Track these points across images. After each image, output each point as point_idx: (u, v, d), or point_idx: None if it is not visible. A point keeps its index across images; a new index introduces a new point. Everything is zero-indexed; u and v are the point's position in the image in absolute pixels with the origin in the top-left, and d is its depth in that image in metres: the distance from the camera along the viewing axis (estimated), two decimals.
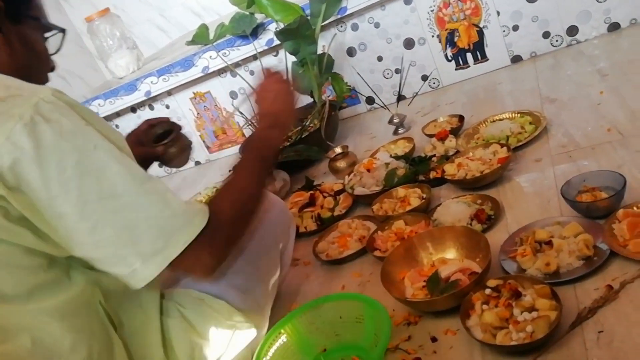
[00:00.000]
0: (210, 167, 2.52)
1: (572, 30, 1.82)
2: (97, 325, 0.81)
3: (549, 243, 1.00)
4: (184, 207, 0.81)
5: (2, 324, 0.73)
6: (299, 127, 1.93)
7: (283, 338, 1.04)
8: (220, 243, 0.85)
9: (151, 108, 2.49)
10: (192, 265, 0.82)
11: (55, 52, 0.94)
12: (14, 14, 0.84)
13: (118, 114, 2.54)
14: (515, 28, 1.87)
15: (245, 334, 1.01)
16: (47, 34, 0.92)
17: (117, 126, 2.60)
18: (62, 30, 0.93)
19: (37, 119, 0.70)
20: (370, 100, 2.16)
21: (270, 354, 1.01)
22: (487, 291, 0.94)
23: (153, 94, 2.35)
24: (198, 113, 2.44)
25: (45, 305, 0.75)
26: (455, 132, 1.62)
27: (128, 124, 2.57)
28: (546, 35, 1.85)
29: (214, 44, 2.13)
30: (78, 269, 0.80)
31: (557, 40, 1.85)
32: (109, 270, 0.78)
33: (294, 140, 1.85)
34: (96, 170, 0.73)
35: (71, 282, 0.79)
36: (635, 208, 1.00)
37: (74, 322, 0.77)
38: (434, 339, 0.96)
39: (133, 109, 2.51)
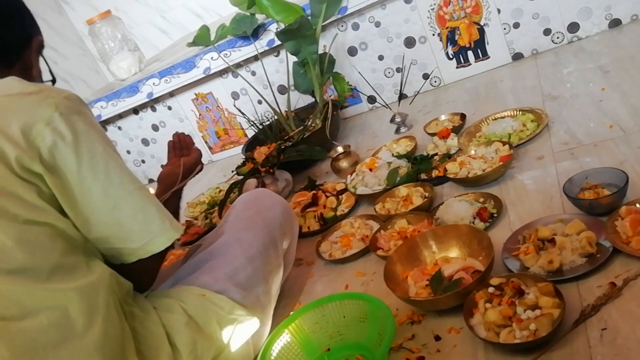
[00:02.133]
0: (212, 167, 2.52)
1: (573, 27, 1.81)
2: (112, 311, 0.83)
3: (552, 241, 1.00)
4: None
5: (22, 300, 0.75)
6: (301, 127, 1.93)
7: (287, 338, 1.05)
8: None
9: (153, 109, 2.50)
10: (164, 254, 0.95)
11: None
12: (41, 52, 1.02)
13: (120, 116, 2.54)
14: (516, 25, 1.87)
15: (248, 327, 1.03)
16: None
17: (119, 128, 2.61)
18: (54, 81, 1.07)
19: (69, 110, 0.82)
20: (371, 100, 2.16)
21: (274, 353, 1.02)
22: (490, 289, 0.94)
23: (155, 96, 2.36)
24: (200, 114, 2.45)
25: (64, 286, 0.78)
26: (457, 130, 1.62)
27: (130, 125, 2.58)
28: (547, 32, 1.85)
29: (215, 45, 2.13)
30: (97, 261, 0.86)
31: (558, 37, 1.85)
32: (119, 246, 0.88)
33: (296, 140, 1.85)
34: (117, 158, 0.87)
35: (90, 270, 0.83)
36: (637, 205, 0.99)
37: (90, 306, 0.80)
38: (437, 338, 0.96)
39: (135, 110, 2.52)
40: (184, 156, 1.35)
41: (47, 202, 0.80)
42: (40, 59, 1.04)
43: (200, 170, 1.34)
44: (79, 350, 0.77)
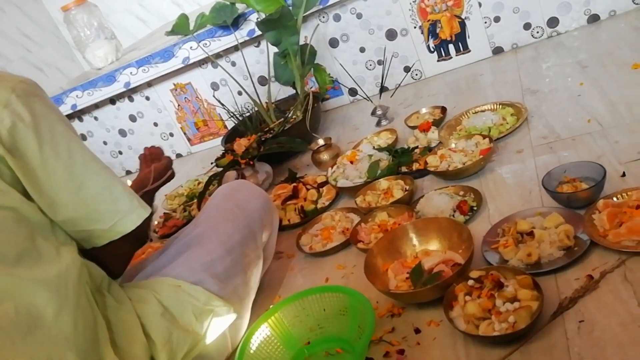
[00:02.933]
0: (191, 159, 2.49)
1: (553, 22, 1.83)
2: (83, 301, 0.82)
3: (531, 234, 1.01)
4: None
5: None
6: (282, 119, 1.91)
7: (267, 331, 1.04)
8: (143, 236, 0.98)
9: (130, 99, 2.45)
10: (138, 237, 0.94)
11: None
12: None
13: (97, 106, 2.49)
14: (497, 19, 1.87)
15: (224, 318, 1.01)
16: None
17: (95, 118, 2.55)
18: None
19: (26, 92, 0.81)
20: (353, 92, 2.15)
21: (254, 347, 1.01)
22: (470, 282, 0.94)
23: (132, 85, 2.31)
24: (179, 105, 2.41)
25: (32, 273, 0.77)
26: (438, 123, 1.63)
27: (107, 115, 2.53)
28: (527, 26, 1.86)
29: (195, 34, 2.10)
30: (67, 248, 0.84)
31: (537, 32, 1.86)
32: (88, 228, 0.87)
33: (276, 132, 1.83)
34: (77, 138, 0.86)
35: (60, 257, 0.82)
36: (614, 199, 1.01)
37: (60, 295, 0.78)
38: (417, 331, 0.97)
39: (112, 100, 2.47)
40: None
41: (9, 184, 0.79)
42: None
43: (172, 176, 1.32)
44: (48, 340, 0.75)
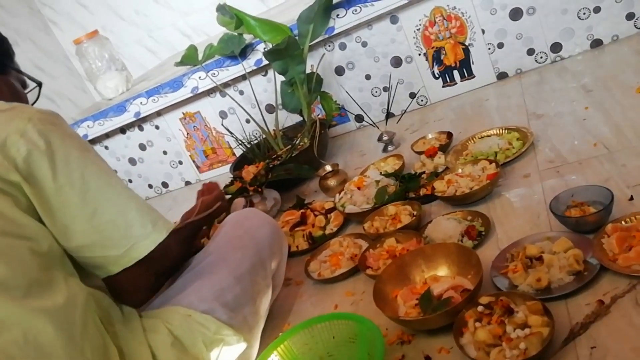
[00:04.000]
0: (200, 186, 2.50)
1: (556, 47, 1.85)
2: (91, 330, 0.82)
3: (540, 259, 1.01)
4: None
5: None
6: (289, 146, 1.93)
7: (276, 359, 1.03)
8: (171, 258, 1.00)
9: (140, 129, 2.49)
10: (155, 264, 0.94)
11: (34, 103, 1.09)
12: (1, 65, 1.02)
13: (107, 135, 2.53)
14: (500, 45, 1.90)
15: (234, 347, 1.01)
16: (27, 90, 1.09)
17: (106, 147, 2.59)
18: (39, 84, 1.10)
19: (42, 122, 0.84)
20: (359, 118, 2.17)
21: None
22: (480, 308, 0.94)
23: (142, 115, 2.35)
24: (188, 133, 2.44)
25: (41, 303, 0.77)
26: (444, 148, 1.64)
27: (117, 144, 2.57)
28: (530, 52, 1.88)
29: (203, 64, 2.14)
30: (73, 279, 0.85)
31: (541, 57, 1.88)
32: (102, 254, 0.88)
33: (284, 159, 1.85)
34: (92, 165, 0.88)
35: (68, 287, 0.82)
36: (623, 222, 1.00)
37: (69, 324, 0.79)
38: (427, 358, 0.96)
39: (122, 130, 2.51)
40: None
41: (25, 212, 0.81)
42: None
43: (221, 208, 1.29)
44: None
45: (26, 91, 1.09)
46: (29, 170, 0.81)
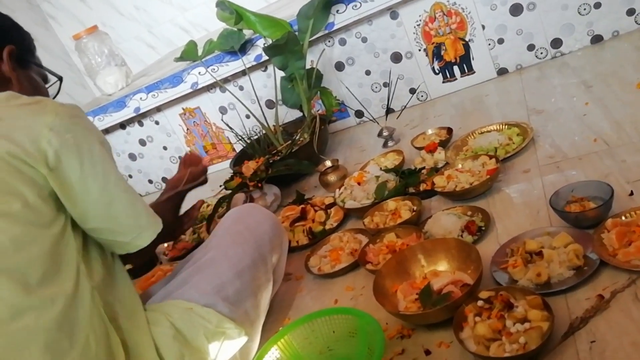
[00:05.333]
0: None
1: (556, 43, 1.85)
2: (97, 322, 0.84)
3: (540, 253, 1.01)
4: None
5: (12, 301, 0.76)
6: (289, 142, 1.93)
7: (277, 353, 1.04)
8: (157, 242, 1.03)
9: (140, 124, 2.49)
10: (149, 250, 1.00)
11: (55, 97, 1.13)
12: (22, 59, 1.05)
13: (107, 131, 2.53)
14: (501, 41, 1.90)
15: (235, 341, 1.02)
16: (47, 85, 1.12)
17: None
18: (60, 78, 1.14)
19: (68, 115, 0.88)
20: (359, 114, 2.17)
21: None
22: (480, 303, 0.94)
23: (142, 111, 2.35)
24: (188, 129, 2.44)
25: (52, 291, 0.80)
26: (444, 144, 1.64)
27: (117, 140, 2.57)
28: (531, 47, 1.88)
29: (203, 60, 2.14)
30: (83, 269, 0.87)
31: (541, 53, 1.88)
32: (111, 238, 0.94)
33: (284, 154, 1.85)
34: (110, 159, 0.94)
35: (78, 277, 0.85)
36: (623, 217, 1.01)
37: (76, 313, 0.82)
38: (427, 352, 0.96)
39: (122, 125, 2.51)
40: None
41: (44, 202, 0.84)
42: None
43: (204, 182, 1.41)
44: (64, 357, 0.78)
45: (47, 86, 1.12)
46: (58, 163, 0.84)
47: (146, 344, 0.91)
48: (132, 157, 2.61)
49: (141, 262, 1.10)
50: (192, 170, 1.37)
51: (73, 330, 0.80)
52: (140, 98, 2.31)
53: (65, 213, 0.88)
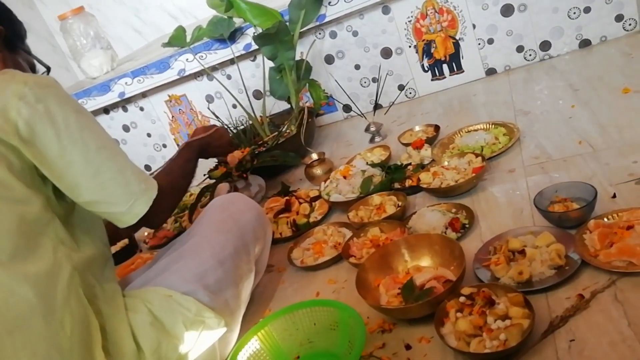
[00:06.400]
0: None
1: (545, 46, 1.86)
2: (73, 304, 0.82)
3: (522, 252, 1.01)
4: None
5: None
6: (276, 133, 1.92)
7: (256, 344, 1.03)
8: (166, 204, 1.03)
9: (125, 110, 2.45)
10: (155, 215, 0.97)
11: None
12: (10, 43, 1.03)
13: None
14: (490, 41, 1.90)
15: (214, 330, 1.01)
16: (35, 73, 1.09)
17: None
18: (48, 68, 1.12)
19: (38, 85, 0.85)
20: (347, 108, 2.16)
21: None
22: (462, 299, 0.94)
23: (127, 96, 2.31)
24: (173, 116, 2.41)
25: (24, 268, 0.78)
26: (431, 141, 1.64)
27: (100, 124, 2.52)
28: (520, 49, 1.89)
29: (191, 46, 2.11)
30: (65, 248, 0.85)
31: (530, 55, 1.89)
32: (107, 210, 0.92)
33: (270, 145, 1.84)
34: (90, 125, 0.90)
35: (55, 256, 0.83)
36: (605, 219, 1.02)
37: (50, 293, 0.79)
38: (408, 347, 0.96)
39: (106, 110, 2.46)
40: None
41: (16, 176, 0.81)
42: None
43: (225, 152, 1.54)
44: (34, 336, 0.76)
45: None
46: (31, 134, 0.82)
47: (123, 330, 0.89)
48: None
49: (157, 226, 1.09)
50: (217, 131, 1.43)
51: (47, 310, 0.78)
52: (126, 83, 2.27)
53: (44, 192, 0.85)
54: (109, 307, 0.90)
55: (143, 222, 0.96)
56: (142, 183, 0.95)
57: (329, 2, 1.92)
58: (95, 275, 0.91)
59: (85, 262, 0.89)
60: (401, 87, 2.07)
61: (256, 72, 2.15)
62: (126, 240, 1.79)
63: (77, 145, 0.86)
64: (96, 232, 0.97)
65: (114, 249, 1.78)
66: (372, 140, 1.87)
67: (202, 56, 2.11)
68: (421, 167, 1.51)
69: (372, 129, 1.86)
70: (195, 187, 2.06)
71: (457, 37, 1.93)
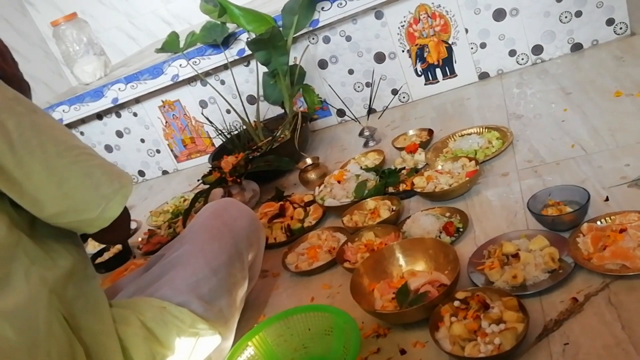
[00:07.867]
0: (177, 176, 2.48)
1: (537, 49, 1.87)
2: (56, 329, 0.78)
3: (516, 256, 1.02)
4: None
5: None
6: (270, 138, 1.92)
7: (250, 350, 1.02)
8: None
9: (118, 115, 2.44)
10: (126, 220, 0.93)
11: None
12: None
13: (83, 121, 2.48)
14: (483, 45, 1.91)
15: (209, 341, 0.99)
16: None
17: (82, 133, 2.54)
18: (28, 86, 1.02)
19: None
20: (341, 113, 2.17)
21: None
22: (456, 303, 0.94)
23: (120, 101, 2.30)
24: (166, 122, 2.41)
25: (3, 304, 0.72)
26: (425, 145, 1.64)
27: (94, 130, 2.51)
28: (512, 53, 1.90)
29: (185, 52, 2.11)
30: (37, 268, 0.79)
31: (522, 59, 1.90)
32: (76, 219, 0.83)
33: (264, 150, 1.84)
34: (48, 129, 0.80)
35: (29, 284, 0.77)
36: (598, 222, 1.02)
37: (32, 327, 0.74)
38: (403, 352, 0.96)
39: (99, 115, 2.46)
40: None
41: None
42: None
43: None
44: None
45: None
46: None
47: (112, 345, 0.85)
48: (109, 148, 2.56)
49: (121, 238, 0.99)
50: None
51: (30, 345, 0.73)
52: (119, 88, 2.26)
53: (5, 209, 0.78)
54: (95, 320, 0.85)
55: (113, 227, 0.88)
56: (115, 181, 0.86)
57: (322, 8, 1.92)
58: (77, 286, 0.85)
59: (64, 276, 0.83)
60: (395, 92, 2.08)
61: (250, 78, 2.15)
62: (120, 247, 1.78)
63: (35, 152, 0.76)
64: (67, 238, 0.88)
65: (108, 255, 1.77)
66: (366, 144, 1.88)
67: (195, 62, 2.11)
68: (415, 171, 1.51)
69: (366, 133, 1.86)
70: (189, 193, 2.06)
71: (450, 42, 1.94)
